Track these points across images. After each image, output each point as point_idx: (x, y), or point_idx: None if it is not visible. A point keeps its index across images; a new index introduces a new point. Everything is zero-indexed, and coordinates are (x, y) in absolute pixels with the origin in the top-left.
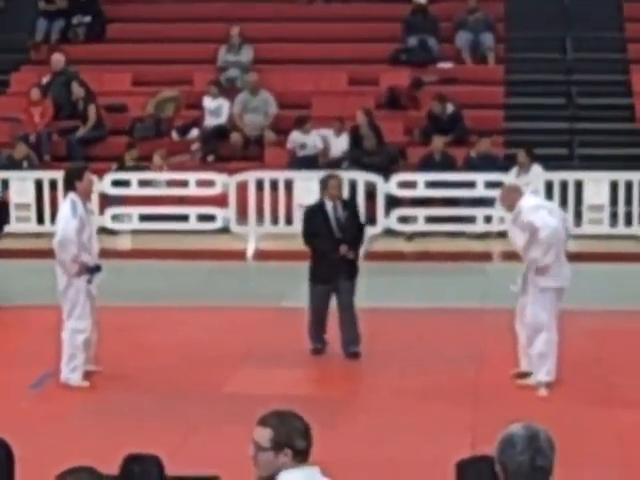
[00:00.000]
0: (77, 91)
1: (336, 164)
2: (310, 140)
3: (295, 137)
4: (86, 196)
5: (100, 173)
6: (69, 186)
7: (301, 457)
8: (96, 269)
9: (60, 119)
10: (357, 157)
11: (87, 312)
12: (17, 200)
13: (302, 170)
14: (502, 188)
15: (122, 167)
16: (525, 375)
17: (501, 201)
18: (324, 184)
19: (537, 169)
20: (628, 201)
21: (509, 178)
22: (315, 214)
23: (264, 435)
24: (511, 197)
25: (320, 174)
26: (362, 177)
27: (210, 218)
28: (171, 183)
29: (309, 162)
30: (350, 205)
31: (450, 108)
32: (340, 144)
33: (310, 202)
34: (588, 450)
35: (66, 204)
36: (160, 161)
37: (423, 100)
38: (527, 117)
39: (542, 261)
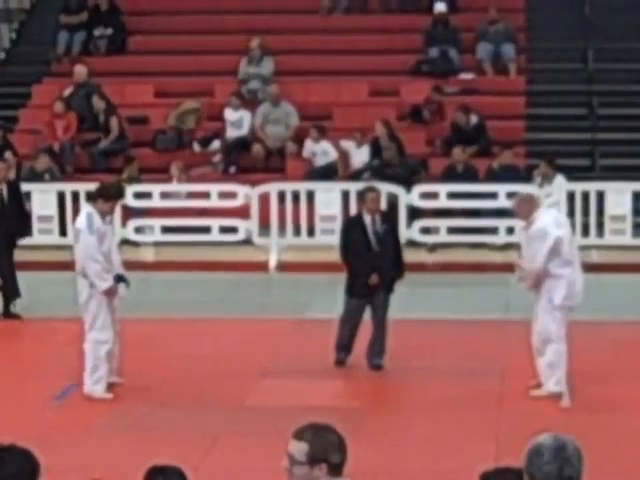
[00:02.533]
0: (98, 104)
1: (357, 175)
2: (319, 148)
3: (307, 146)
4: (104, 215)
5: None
6: (92, 199)
7: (336, 471)
8: (119, 279)
9: (82, 131)
10: (378, 168)
11: (109, 323)
12: (39, 212)
13: (323, 181)
14: (516, 198)
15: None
16: (540, 385)
17: (515, 210)
18: (362, 197)
19: (560, 179)
20: None
21: (531, 189)
22: (353, 227)
23: (300, 449)
24: (526, 207)
25: (341, 186)
26: (384, 188)
27: (232, 230)
28: (193, 195)
29: (324, 172)
30: (389, 218)
31: (474, 119)
32: (361, 156)
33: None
34: (614, 460)
35: (82, 217)
36: (177, 172)
37: (445, 111)
38: (548, 128)
39: (531, 265)
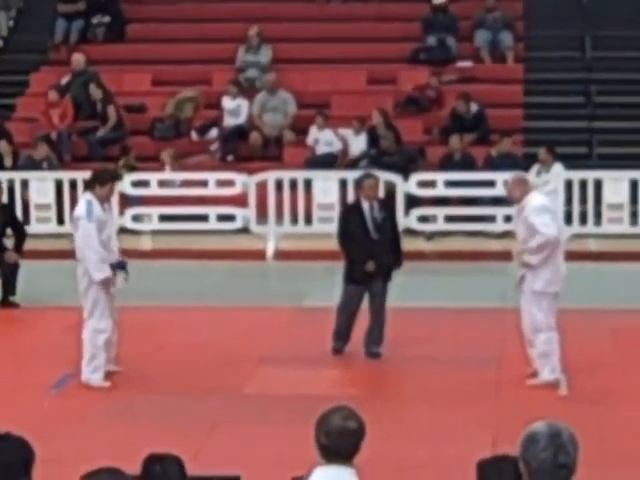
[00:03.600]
0: (95, 92)
1: (354, 164)
2: (323, 137)
3: (311, 132)
4: (101, 201)
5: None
6: (89, 187)
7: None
8: (118, 266)
9: (80, 119)
10: (376, 157)
11: (108, 312)
12: (37, 200)
13: (321, 170)
14: (509, 180)
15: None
16: (535, 374)
17: (509, 192)
18: (359, 184)
19: (558, 167)
20: None
21: (530, 177)
22: (351, 214)
23: None
24: (520, 189)
25: (339, 174)
26: (381, 177)
27: (230, 218)
28: (190, 183)
29: (325, 160)
30: (387, 205)
31: (474, 107)
32: (359, 144)
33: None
34: (611, 449)
35: (81, 205)
36: (169, 159)
37: (444, 99)
38: (546, 116)
39: (528, 259)
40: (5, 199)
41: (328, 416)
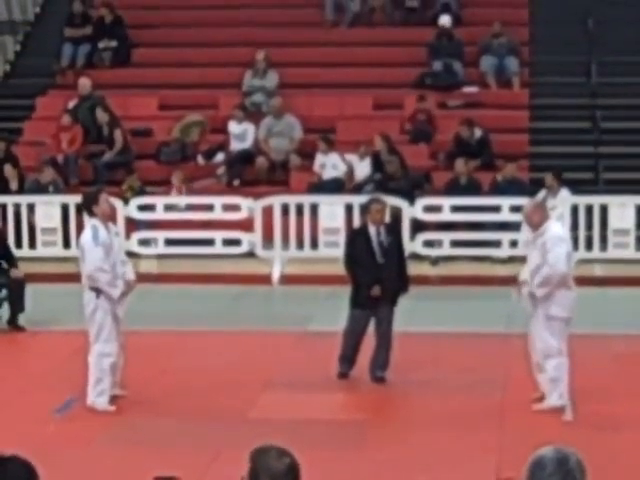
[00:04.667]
0: (101, 116)
1: (359, 188)
2: (329, 160)
3: (317, 158)
4: (107, 218)
5: (127, 198)
6: (88, 212)
7: None
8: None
9: (86, 143)
10: (381, 182)
11: (114, 336)
12: (43, 224)
13: (327, 194)
14: (527, 205)
15: (126, 200)
16: (542, 398)
17: (527, 218)
18: (367, 208)
19: (565, 193)
20: None
21: None
22: (358, 238)
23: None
24: (539, 215)
25: (345, 199)
26: (387, 201)
27: (236, 242)
28: (196, 207)
29: (332, 185)
30: (394, 230)
31: (478, 133)
32: (363, 169)
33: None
34: (617, 474)
35: (87, 231)
36: (178, 183)
37: (448, 124)
38: (552, 141)
39: (533, 290)
40: None
41: (263, 461)
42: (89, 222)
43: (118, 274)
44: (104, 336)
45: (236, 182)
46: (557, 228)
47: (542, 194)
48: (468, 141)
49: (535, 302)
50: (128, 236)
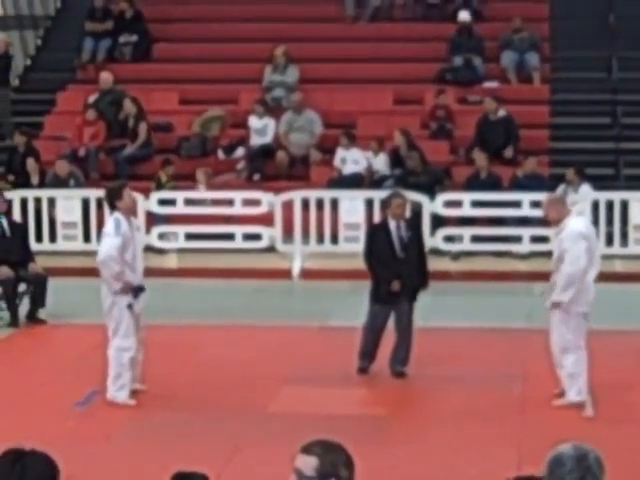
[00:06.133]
0: (129, 108)
1: (379, 183)
2: (350, 155)
3: (338, 153)
4: (129, 213)
5: (147, 192)
6: (111, 206)
7: None
8: (139, 289)
9: (107, 138)
10: (401, 177)
11: (132, 330)
12: (63, 219)
13: (348, 189)
14: (545, 199)
15: (159, 186)
16: (562, 395)
17: (545, 213)
18: (387, 203)
19: (586, 188)
20: None
21: None
22: (378, 233)
23: (309, 463)
24: (555, 210)
25: (365, 194)
26: (408, 197)
27: (256, 237)
28: (217, 202)
29: (352, 180)
30: (414, 225)
31: (502, 112)
32: (378, 164)
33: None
34: (637, 472)
35: (110, 222)
36: (204, 178)
37: (468, 120)
38: (573, 137)
39: (559, 297)
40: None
41: None
42: (112, 215)
43: (137, 268)
44: (122, 331)
45: (256, 177)
46: (576, 224)
47: (561, 189)
48: (492, 118)
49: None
50: (148, 230)
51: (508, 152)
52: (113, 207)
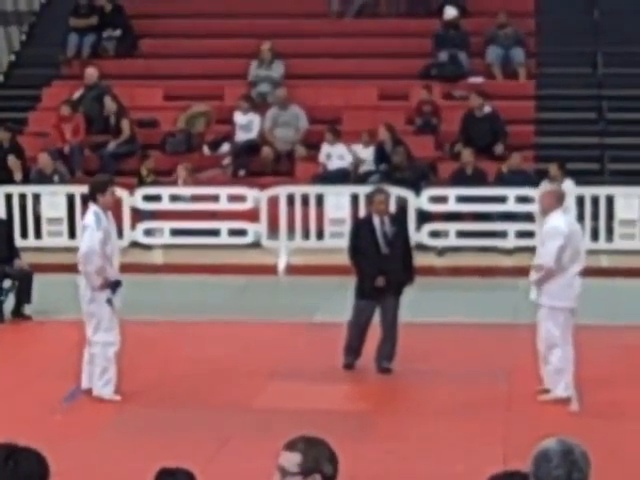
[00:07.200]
0: (109, 106)
1: (365, 178)
2: (335, 151)
3: (323, 148)
4: (107, 209)
5: (132, 188)
6: (92, 199)
7: None
8: (117, 284)
9: (91, 133)
10: (387, 172)
11: (115, 324)
12: (48, 215)
13: (332, 185)
14: (546, 188)
15: (141, 181)
16: (547, 391)
17: (539, 199)
18: (370, 199)
19: (569, 184)
20: None
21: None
22: (362, 229)
23: (292, 460)
24: (547, 201)
25: (351, 189)
26: (393, 192)
27: (241, 233)
28: (202, 198)
29: (338, 175)
30: (398, 220)
31: (487, 109)
32: (368, 157)
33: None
34: (622, 465)
35: (89, 216)
36: (184, 173)
37: (453, 115)
38: (558, 132)
39: (532, 275)
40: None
41: None
42: (90, 208)
43: (113, 263)
44: (104, 325)
45: (242, 172)
46: (557, 221)
47: (543, 184)
48: (477, 114)
49: (540, 292)
50: (133, 226)
51: (498, 149)
52: (94, 200)
